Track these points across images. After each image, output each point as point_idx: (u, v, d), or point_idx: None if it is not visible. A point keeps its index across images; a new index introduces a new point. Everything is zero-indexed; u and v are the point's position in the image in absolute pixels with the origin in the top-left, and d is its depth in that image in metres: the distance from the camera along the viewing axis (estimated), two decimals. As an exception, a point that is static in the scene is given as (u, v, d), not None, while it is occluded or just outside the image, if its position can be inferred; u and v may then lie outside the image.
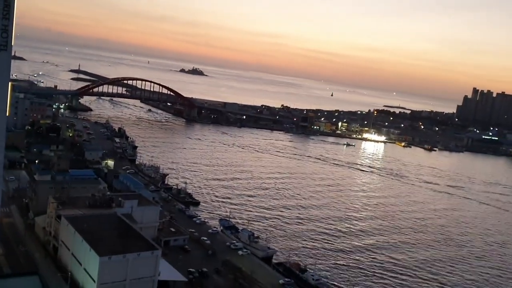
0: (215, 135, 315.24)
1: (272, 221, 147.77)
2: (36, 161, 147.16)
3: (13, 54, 76.01)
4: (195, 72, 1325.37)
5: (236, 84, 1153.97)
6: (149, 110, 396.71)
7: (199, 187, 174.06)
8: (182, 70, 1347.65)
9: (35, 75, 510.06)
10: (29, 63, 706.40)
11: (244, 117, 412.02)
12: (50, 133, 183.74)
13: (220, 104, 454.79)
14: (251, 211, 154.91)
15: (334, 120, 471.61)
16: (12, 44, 69.25)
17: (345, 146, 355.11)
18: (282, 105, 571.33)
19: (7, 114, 72.38)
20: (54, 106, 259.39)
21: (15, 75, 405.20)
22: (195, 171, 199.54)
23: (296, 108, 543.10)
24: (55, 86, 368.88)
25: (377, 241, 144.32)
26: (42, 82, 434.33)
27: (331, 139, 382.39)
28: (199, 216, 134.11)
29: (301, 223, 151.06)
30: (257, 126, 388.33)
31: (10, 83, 72.95)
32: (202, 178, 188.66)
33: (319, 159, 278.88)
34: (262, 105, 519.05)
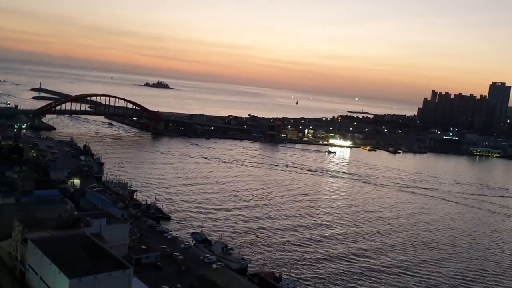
0: (183, 148, 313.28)
1: (246, 231, 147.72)
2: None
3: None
4: (160, 85, 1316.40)
5: (202, 96, 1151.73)
6: (110, 124, 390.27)
7: (169, 201, 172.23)
8: (147, 84, 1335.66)
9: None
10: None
11: (212, 128, 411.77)
12: (13, 154, 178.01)
13: (187, 116, 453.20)
14: (223, 222, 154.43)
15: (300, 127, 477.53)
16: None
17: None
18: (249, 115, 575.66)
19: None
20: (15, 126, 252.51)
21: None
22: (164, 185, 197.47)
23: (263, 117, 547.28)
24: (16, 106, 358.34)
25: (351, 247, 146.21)
26: (9, 104, 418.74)
27: (298, 146, 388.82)
28: (171, 231, 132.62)
29: (275, 231, 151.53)
30: (225, 137, 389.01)
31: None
32: (172, 192, 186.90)
33: (289, 166, 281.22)
34: (230, 115, 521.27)
